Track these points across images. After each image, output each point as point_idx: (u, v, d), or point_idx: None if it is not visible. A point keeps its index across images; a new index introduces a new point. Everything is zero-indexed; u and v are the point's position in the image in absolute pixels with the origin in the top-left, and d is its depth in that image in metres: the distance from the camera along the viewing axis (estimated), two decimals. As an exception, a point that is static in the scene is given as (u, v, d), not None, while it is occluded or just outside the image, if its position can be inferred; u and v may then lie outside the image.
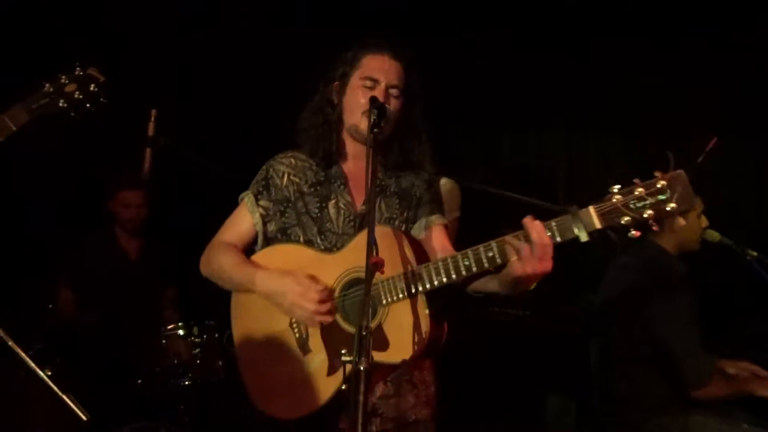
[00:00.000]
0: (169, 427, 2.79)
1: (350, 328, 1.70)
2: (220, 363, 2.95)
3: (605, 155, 3.99)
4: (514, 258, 1.52)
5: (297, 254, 1.83)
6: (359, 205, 1.88)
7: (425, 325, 1.60)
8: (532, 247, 1.49)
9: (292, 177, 1.91)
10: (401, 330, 1.48)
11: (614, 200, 1.43)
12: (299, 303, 1.72)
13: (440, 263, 1.62)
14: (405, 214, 1.91)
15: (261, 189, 1.91)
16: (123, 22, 3.59)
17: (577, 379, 3.34)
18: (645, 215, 1.40)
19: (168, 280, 3.51)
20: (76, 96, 1.90)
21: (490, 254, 1.56)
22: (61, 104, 1.90)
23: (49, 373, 2.46)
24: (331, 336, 1.73)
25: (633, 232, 1.44)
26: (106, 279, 3.37)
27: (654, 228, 1.42)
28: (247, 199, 1.92)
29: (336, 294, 1.75)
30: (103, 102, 1.93)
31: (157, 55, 3.63)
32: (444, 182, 3.02)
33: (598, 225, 1.45)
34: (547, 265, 1.51)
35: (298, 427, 1.78)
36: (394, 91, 1.83)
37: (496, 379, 3.41)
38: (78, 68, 1.93)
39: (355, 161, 1.91)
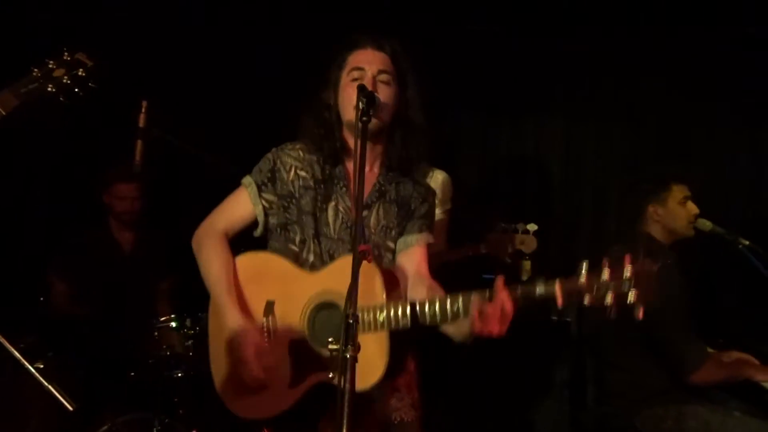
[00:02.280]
0: (163, 419, 2.79)
1: (318, 348, 1.74)
2: (213, 354, 2.93)
3: (603, 145, 3.98)
4: (475, 313, 1.55)
5: (277, 267, 1.85)
6: None
7: (383, 360, 1.65)
8: (494, 309, 1.53)
9: (299, 171, 1.89)
10: (361, 360, 1.48)
11: (580, 282, 1.45)
12: (245, 364, 1.75)
13: (407, 307, 1.64)
14: (402, 225, 1.91)
15: (266, 180, 1.89)
16: (114, 11, 3.57)
17: (571, 368, 3.34)
18: (606, 301, 1.42)
19: (161, 273, 3.51)
20: (64, 81, 1.92)
21: (456, 308, 1.60)
22: (49, 89, 1.91)
23: (41, 366, 2.47)
24: (299, 352, 1.76)
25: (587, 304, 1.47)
26: (99, 271, 3.37)
27: (611, 313, 1.43)
28: (249, 189, 1.90)
29: (307, 314, 1.77)
30: (91, 86, 1.95)
31: (147, 45, 3.61)
32: (438, 174, 3.03)
33: (559, 302, 1.49)
34: (502, 330, 1.55)
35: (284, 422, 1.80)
36: (383, 77, 1.82)
37: (489, 367, 3.41)
38: (66, 53, 1.94)
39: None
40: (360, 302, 1.60)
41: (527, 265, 3.52)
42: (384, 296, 1.68)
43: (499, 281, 1.55)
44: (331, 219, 1.85)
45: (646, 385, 2.65)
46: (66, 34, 3.50)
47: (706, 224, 2.81)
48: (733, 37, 3.72)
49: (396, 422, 1.87)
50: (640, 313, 1.40)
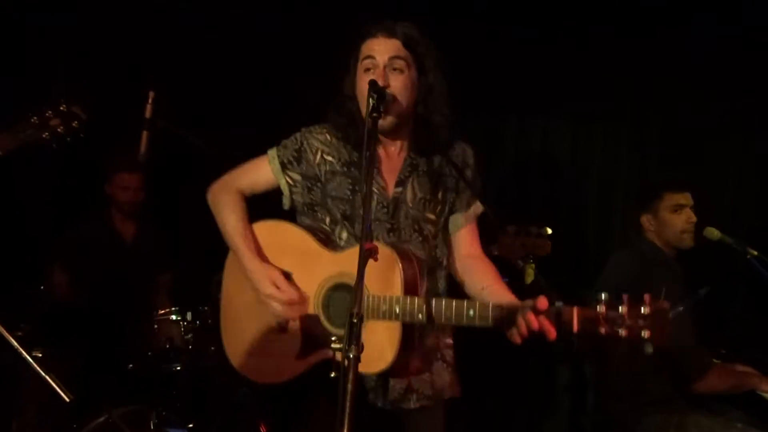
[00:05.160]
0: (161, 411, 2.77)
1: (329, 327, 1.76)
2: (213, 348, 2.92)
3: (609, 146, 3.96)
4: (519, 327, 1.56)
5: (298, 240, 1.84)
6: (391, 189, 1.87)
7: (392, 351, 1.66)
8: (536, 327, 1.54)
9: (325, 156, 1.88)
10: (368, 346, 1.44)
11: (599, 310, 1.47)
12: (269, 301, 1.79)
13: (424, 305, 1.64)
14: (439, 195, 1.91)
15: (291, 159, 1.90)
16: (121, 2, 3.55)
17: (571, 372, 3.32)
18: (620, 333, 1.45)
19: (163, 265, 3.50)
20: (59, 130, 2.08)
21: (471, 313, 1.62)
22: (44, 136, 2.07)
23: (39, 355, 2.46)
24: (311, 327, 1.78)
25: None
26: (100, 262, 3.35)
27: (622, 346, 1.51)
28: (272, 164, 1.91)
29: (322, 292, 1.78)
30: (82, 137, 2.12)
31: (155, 36, 3.58)
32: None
33: (575, 328, 1.49)
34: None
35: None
36: (396, 63, 1.78)
37: (490, 370, 3.39)
38: (63, 104, 2.09)
39: (387, 146, 1.89)
40: (378, 291, 1.67)
41: (531, 269, 3.50)
42: (402, 289, 1.68)
43: (543, 302, 1.54)
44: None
45: (648, 392, 2.63)
46: (74, 24, 3.49)
47: (714, 233, 2.78)
48: (745, 40, 3.69)
49: (446, 398, 1.90)
50: (649, 349, 1.44)
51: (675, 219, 2.74)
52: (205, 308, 2.97)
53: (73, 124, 2.07)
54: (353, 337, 1.28)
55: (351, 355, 1.25)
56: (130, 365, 2.95)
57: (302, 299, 1.78)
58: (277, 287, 1.77)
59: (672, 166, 3.82)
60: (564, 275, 3.87)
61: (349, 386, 1.22)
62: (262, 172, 1.93)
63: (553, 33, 3.80)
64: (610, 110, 3.90)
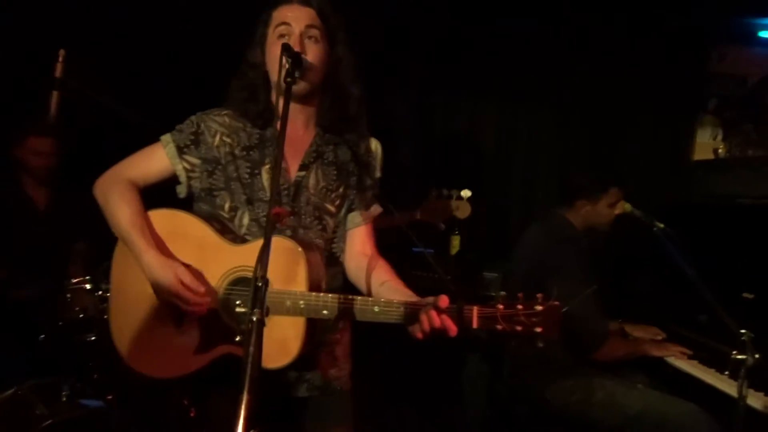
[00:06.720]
0: (74, 383, 2.68)
1: (230, 322, 1.72)
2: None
3: (535, 122, 4.07)
4: (422, 323, 1.60)
5: (196, 230, 1.77)
6: (294, 172, 1.83)
7: (297, 345, 1.65)
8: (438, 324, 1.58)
9: (224, 138, 1.81)
10: (272, 341, 1.47)
11: (497, 308, 1.58)
12: (176, 300, 1.71)
13: (328, 301, 1.63)
14: (341, 189, 1.88)
15: (188, 143, 1.82)
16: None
17: (491, 342, 3.43)
18: (516, 328, 1.58)
19: (77, 232, 3.36)
20: None
21: (375, 310, 1.63)
22: None
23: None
24: (209, 322, 1.73)
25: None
26: (11, 229, 3.19)
27: (515, 339, 1.62)
28: (167, 149, 1.82)
29: (222, 286, 1.74)
30: None
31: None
32: (372, 141, 3.00)
33: (474, 325, 1.59)
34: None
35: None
36: (312, 32, 1.76)
37: (412, 343, 3.45)
38: None
39: (292, 123, 1.82)
40: (282, 286, 1.64)
41: (456, 240, 3.58)
42: (306, 284, 1.66)
43: (445, 301, 1.59)
44: (266, 182, 1.79)
45: (555, 360, 2.76)
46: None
47: (625, 206, 2.91)
48: (662, 27, 3.86)
49: (336, 390, 1.90)
50: (540, 344, 1.61)
51: (609, 212, 2.87)
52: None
53: None
54: (257, 302, 1.26)
55: (254, 319, 1.24)
56: (41, 336, 2.83)
57: (208, 293, 1.72)
58: (182, 282, 1.69)
59: (591, 142, 3.98)
60: (488, 246, 3.98)
61: (252, 349, 1.21)
62: (155, 159, 1.83)
63: (482, 11, 3.84)
64: (534, 89, 4.01)
